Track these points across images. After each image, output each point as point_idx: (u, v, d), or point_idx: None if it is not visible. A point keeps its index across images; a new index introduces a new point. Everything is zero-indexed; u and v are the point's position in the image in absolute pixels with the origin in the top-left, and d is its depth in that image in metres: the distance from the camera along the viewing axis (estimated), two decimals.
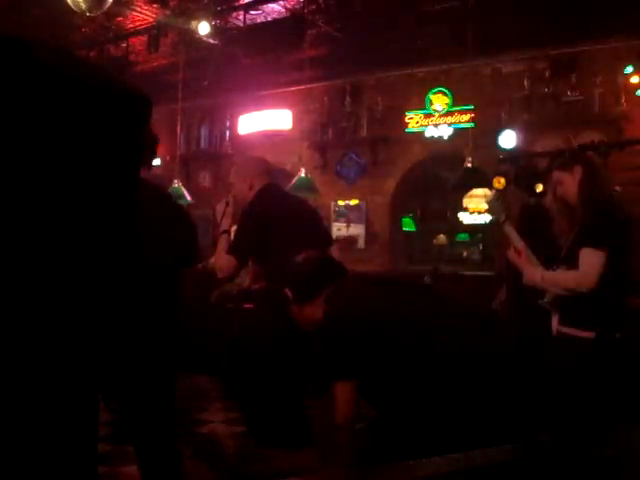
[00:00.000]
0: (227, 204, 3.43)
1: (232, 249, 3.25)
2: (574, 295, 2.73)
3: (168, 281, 2.62)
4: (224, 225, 3.39)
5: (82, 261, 0.93)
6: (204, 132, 9.65)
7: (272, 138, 9.00)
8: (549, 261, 2.95)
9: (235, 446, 4.36)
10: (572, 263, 2.80)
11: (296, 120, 8.84)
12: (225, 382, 6.03)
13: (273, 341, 3.19)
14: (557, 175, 2.97)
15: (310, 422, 3.32)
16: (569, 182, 2.91)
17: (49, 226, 0.88)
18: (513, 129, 6.59)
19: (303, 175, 7.34)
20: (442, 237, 10.62)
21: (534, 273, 2.86)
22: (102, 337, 1.00)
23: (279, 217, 3.36)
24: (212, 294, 7.48)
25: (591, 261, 2.67)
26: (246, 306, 6.64)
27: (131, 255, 1.03)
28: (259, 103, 8.99)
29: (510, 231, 3.13)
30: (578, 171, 2.88)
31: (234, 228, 3.44)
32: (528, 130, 6.82)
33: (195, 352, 7.04)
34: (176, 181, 7.39)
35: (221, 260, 3.27)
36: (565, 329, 2.81)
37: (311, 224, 3.59)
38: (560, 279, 2.81)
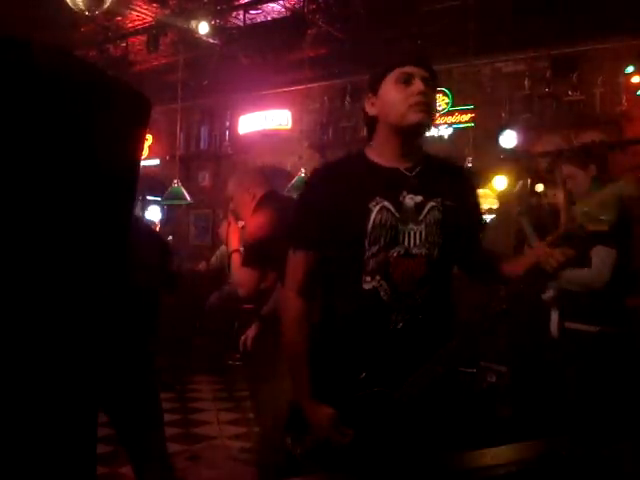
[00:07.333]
0: (229, 224, 3.34)
1: (247, 261, 3.12)
2: (585, 291, 2.80)
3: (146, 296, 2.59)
4: (232, 245, 3.27)
5: (85, 256, 0.93)
6: (204, 132, 9.64)
7: (272, 138, 8.99)
8: None
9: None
10: (579, 260, 2.86)
11: (296, 120, 8.83)
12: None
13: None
14: (569, 169, 2.99)
15: None
16: (581, 178, 2.95)
17: (46, 229, 0.88)
18: (513, 129, 6.58)
19: (303, 175, 7.33)
20: None
21: None
22: (100, 338, 1.00)
23: (283, 223, 3.33)
24: (210, 297, 7.45)
25: (604, 259, 2.74)
26: (246, 307, 6.62)
27: (125, 258, 1.03)
28: (259, 103, 8.99)
29: (525, 223, 3.16)
30: (592, 169, 2.93)
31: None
32: (528, 130, 6.81)
33: (195, 352, 7.06)
34: (176, 181, 7.38)
35: (241, 275, 3.13)
36: (568, 324, 2.86)
37: None
38: (575, 276, 2.86)
